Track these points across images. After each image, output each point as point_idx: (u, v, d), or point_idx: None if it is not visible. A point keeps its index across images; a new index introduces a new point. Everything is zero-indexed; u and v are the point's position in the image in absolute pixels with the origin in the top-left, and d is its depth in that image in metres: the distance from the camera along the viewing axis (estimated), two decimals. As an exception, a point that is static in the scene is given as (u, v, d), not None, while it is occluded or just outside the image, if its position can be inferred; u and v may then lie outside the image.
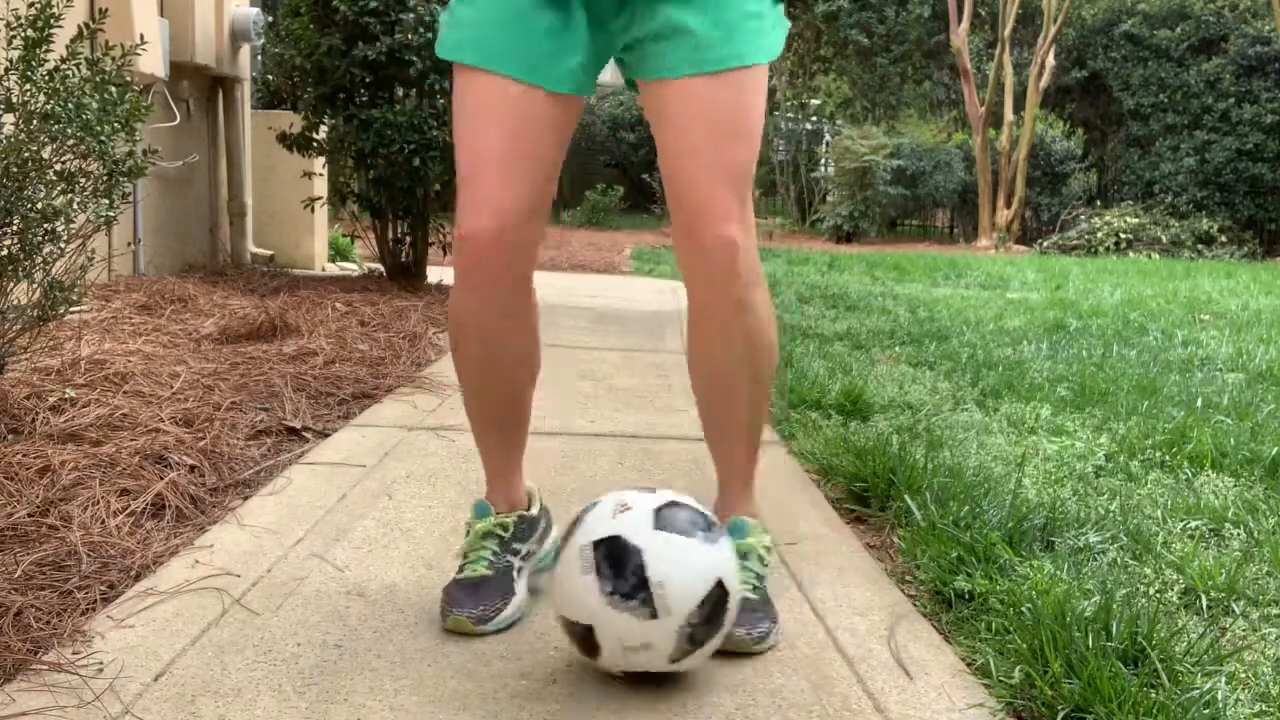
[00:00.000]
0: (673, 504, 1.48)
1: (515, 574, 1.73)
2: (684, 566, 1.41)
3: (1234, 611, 1.80)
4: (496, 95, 1.57)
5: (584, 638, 1.44)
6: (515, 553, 1.76)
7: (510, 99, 1.57)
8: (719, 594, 1.43)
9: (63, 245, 2.51)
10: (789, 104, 17.79)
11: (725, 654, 1.57)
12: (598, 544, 1.43)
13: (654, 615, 1.39)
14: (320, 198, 6.18)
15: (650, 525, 1.43)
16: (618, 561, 1.41)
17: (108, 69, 2.56)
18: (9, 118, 2.45)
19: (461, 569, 1.73)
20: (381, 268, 5.87)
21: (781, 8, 1.65)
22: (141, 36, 2.88)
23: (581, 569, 1.42)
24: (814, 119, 18.00)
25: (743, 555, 1.64)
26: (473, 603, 1.64)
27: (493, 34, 1.56)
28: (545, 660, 1.54)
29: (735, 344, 1.64)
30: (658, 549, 1.41)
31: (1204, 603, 1.83)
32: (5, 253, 2.43)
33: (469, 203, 1.59)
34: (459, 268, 1.63)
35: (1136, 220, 14.53)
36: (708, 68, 1.54)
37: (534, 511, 1.84)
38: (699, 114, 1.55)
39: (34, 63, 2.45)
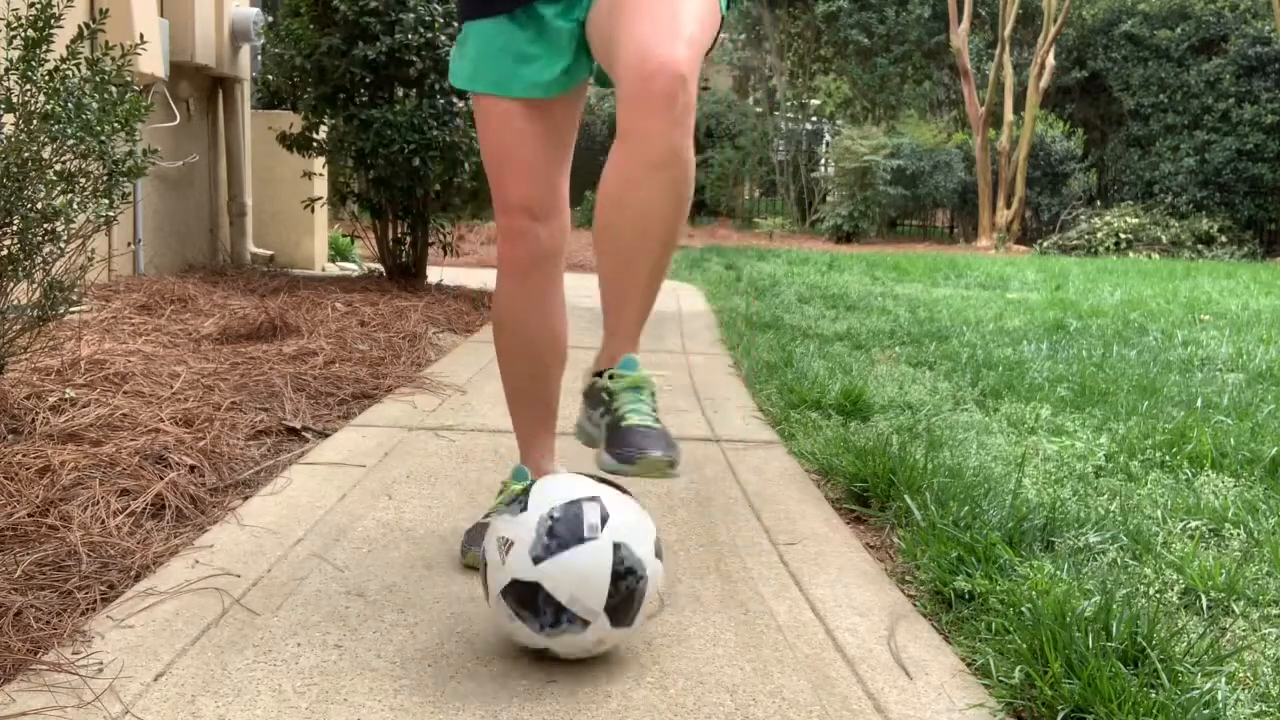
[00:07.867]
0: (550, 516, 1.50)
1: None
2: (584, 574, 1.47)
3: (1234, 611, 1.80)
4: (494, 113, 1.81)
5: (545, 655, 1.54)
6: None
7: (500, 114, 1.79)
8: (619, 561, 1.48)
9: (63, 245, 2.51)
10: (789, 104, 17.79)
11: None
12: (505, 593, 1.50)
13: (586, 624, 1.48)
14: (320, 198, 6.19)
15: (533, 558, 1.48)
16: (528, 602, 1.48)
17: (108, 69, 2.56)
18: (9, 118, 2.45)
19: (486, 516, 1.94)
20: (381, 268, 5.87)
21: None
22: (141, 36, 2.88)
23: (507, 618, 1.51)
24: (814, 119, 18.01)
25: (636, 388, 1.67)
26: None
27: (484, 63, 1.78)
28: (545, 660, 1.54)
29: (657, 189, 1.57)
30: (552, 573, 1.47)
31: (1204, 603, 1.83)
32: (5, 253, 2.43)
33: (496, 203, 1.85)
34: (498, 258, 1.89)
35: (1136, 220, 14.54)
36: None
37: None
38: None
39: (34, 63, 2.45)
